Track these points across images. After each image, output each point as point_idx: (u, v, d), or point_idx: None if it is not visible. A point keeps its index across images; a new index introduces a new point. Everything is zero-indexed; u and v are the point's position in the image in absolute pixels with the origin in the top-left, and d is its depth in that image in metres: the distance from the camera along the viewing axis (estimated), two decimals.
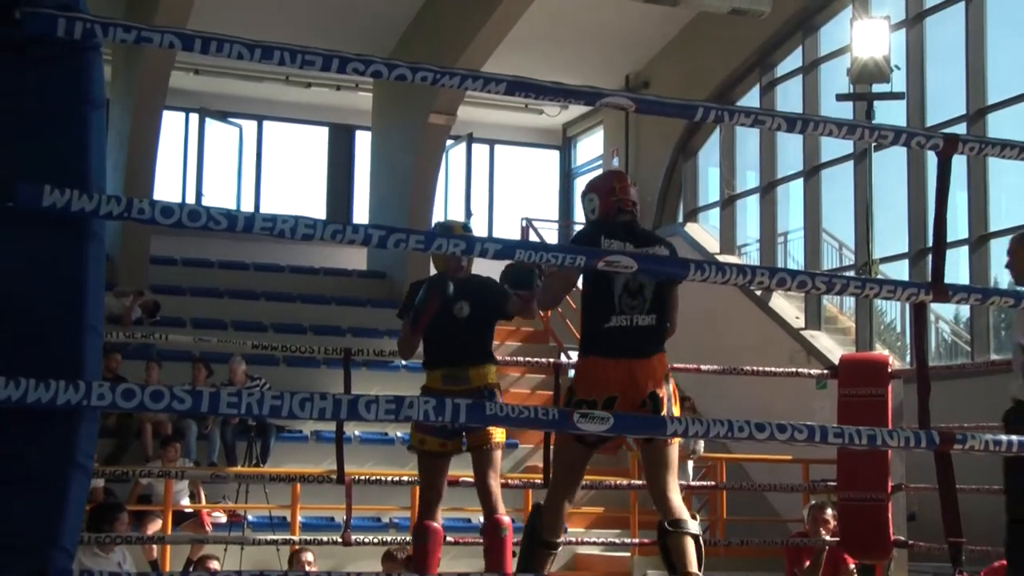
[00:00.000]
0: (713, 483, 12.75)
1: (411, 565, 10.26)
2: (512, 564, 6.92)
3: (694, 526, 5.91)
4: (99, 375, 3.02)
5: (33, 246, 2.93)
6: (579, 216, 22.39)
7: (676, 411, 6.07)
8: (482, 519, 6.99)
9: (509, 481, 11.69)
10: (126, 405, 3.09)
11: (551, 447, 8.05)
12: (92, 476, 3.29)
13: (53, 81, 2.96)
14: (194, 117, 21.58)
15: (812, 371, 11.55)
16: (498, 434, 6.89)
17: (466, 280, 6.89)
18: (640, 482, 11.18)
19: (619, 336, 5.89)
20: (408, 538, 10.87)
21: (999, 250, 14.77)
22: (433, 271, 7.11)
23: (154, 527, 11.88)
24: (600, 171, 21.56)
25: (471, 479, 7.24)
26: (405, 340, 6.93)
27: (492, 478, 6.85)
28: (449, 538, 10.15)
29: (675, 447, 6.05)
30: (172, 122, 20.19)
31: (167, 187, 20.53)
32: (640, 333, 5.92)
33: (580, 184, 22.68)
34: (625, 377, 5.84)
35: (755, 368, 10.87)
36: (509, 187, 23.52)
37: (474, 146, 22.95)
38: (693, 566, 5.75)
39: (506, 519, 6.87)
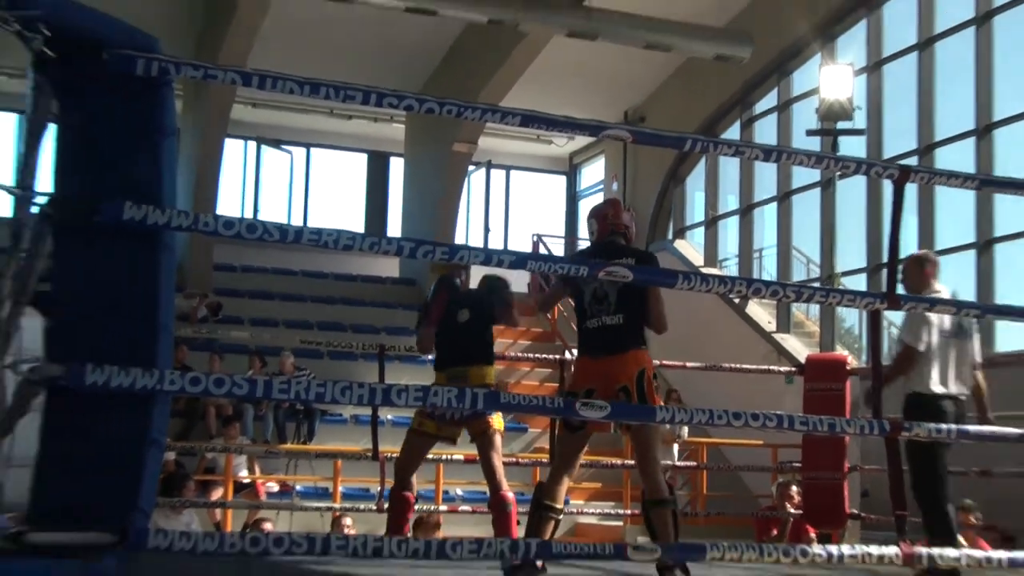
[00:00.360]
0: (695, 463, 12.74)
1: (436, 531, 10.26)
2: (518, 531, 6.93)
3: (673, 502, 5.93)
4: (171, 365, 3.03)
5: (116, 255, 2.94)
6: (583, 232, 22.41)
7: (654, 401, 6.05)
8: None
9: (519, 460, 11.69)
10: (193, 390, 3.11)
11: (555, 431, 8.03)
12: (165, 450, 3.30)
13: (133, 112, 2.97)
14: (252, 145, 21.62)
15: (782, 368, 11.54)
16: (496, 422, 6.92)
17: (465, 292, 6.96)
18: (632, 462, 11.21)
19: (595, 336, 5.93)
20: (434, 507, 10.90)
21: (944, 266, 14.74)
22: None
23: (217, 494, 11.91)
24: (601, 194, 21.67)
25: (504, 459, 7.24)
26: (424, 337, 6.99)
27: (495, 460, 6.86)
28: (467, 508, 10.19)
29: (654, 432, 6.07)
30: (233, 149, 20.21)
31: (228, 205, 20.55)
32: (610, 332, 5.92)
33: (584, 205, 22.76)
34: (601, 373, 5.86)
35: (733, 365, 10.86)
36: (522, 207, 23.48)
37: (492, 171, 22.96)
38: (671, 536, 5.78)
39: (510, 495, 6.87)
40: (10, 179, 3.07)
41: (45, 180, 3.03)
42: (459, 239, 20.38)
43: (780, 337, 16.68)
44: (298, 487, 13.24)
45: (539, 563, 5.59)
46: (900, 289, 5.63)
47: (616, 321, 5.91)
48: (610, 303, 5.91)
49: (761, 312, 17.21)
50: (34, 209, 3.03)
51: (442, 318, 6.85)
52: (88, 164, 2.96)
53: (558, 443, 6.18)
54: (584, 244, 21.96)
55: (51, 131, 3.03)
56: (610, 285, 5.87)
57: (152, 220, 2.90)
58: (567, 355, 11.29)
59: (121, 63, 2.89)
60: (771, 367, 11.93)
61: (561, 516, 6.04)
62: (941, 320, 6.94)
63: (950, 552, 4.21)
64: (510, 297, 6.93)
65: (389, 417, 13.92)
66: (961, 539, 9.53)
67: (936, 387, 6.81)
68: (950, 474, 7.85)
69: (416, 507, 10.98)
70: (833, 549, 3.69)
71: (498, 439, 6.89)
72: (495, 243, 22.58)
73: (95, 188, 2.90)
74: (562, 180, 23.71)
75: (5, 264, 3.18)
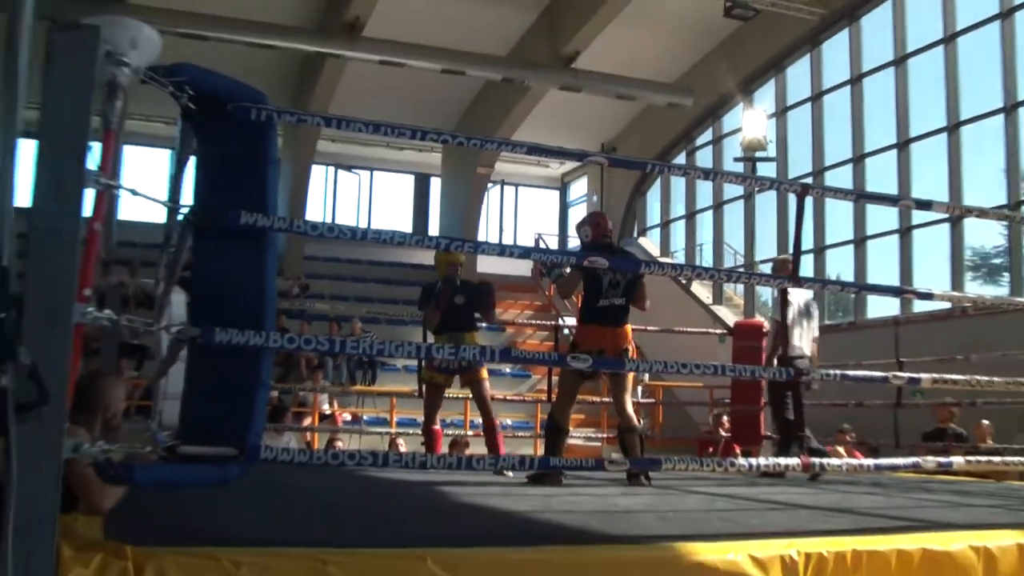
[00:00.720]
0: (654, 400, 12.71)
1: (466, 449, 10.30)
2: (505, 448, 7.11)
3: (639, 429, 6.00)
4: (274, 328, 3.05)
5: (237, 249, 2.97)
6: (571, 233, 22.41)
7: (634, 356, 6.15)
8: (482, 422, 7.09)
9: (525, 398, 11.71)
10: (290, 347, 3.13)
11: (553, 377, 8.10)
12: (270, 390, 3.32)
13: (249, 147, 2.99)
14: (331, 169, 21.61)
15: (717, 331, 11.55)
16: (484, 372, 7.00)
17: (461, 283, 6.98)
18: (608, 399, 11.24)
19: (607, 312, 5.97)
20: (464, 432, 10.92)
21: (831, 256, 14.76)
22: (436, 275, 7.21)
23: (307, 422, 11.98)
24: (585, 204, 21.64)
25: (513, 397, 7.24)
26: (431, 316, 6.97)
27: (486, 399, 6.92)
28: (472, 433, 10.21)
29: (629, 379, 6.17)
30: (317, 173, 20.21)
31: (314, 214, 20.55)
32: (617, 310, 6.01)
33: (573, 212, 22.72)
34: (610, 338, 5.93)
35: (681, 329, 10.88)
36: (526, 214, 23.46)
37: (504, 188, 22.93)
38: (638, 453, 5.84)
39: (498, 423, 6.98)
40: (165, 197, 3.12)
41: (188, 196, 3.07)
42: (480, 238, 20.39)
43: (716, 309, 16.69)
44: (364, 417, 13.31)
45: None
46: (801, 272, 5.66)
47: (622, 303, 6.02)
48: (620, 290, 6.00)
49: (702, 290, 17.22)
50: (180, 217, 3.07)
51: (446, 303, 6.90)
52: (217, 185, 2.99)
53: (570, 385, 6.18)
54: (573, 241, 21.94)
55: (192, 162, 3.07)
56: (622, 275, 5.97)
57: (261, 224, 2.92)
58: (560, 322, 11.30)
59: (241, 112, 2.92)
60: (708, 330, 11.96)
61: (569, 436, 6.14)
62: (797, 302, 7.27)
63: (833, 460, 4.24)
64: (493, 302, 7.08)
65: None
66: (840, 450, 9.65)
67: (795, 348, 7.14)
68: (835, 406, 7.94)
69: (450, 432, 11.06)
70: (753, 461, 3.71)
71: (487, 385, 6.98)
72: (506, 241, 22.56)
73: (222, 202, 2.92)
74: (555, 194, 23.68)
75: (160, 257, 3.23)
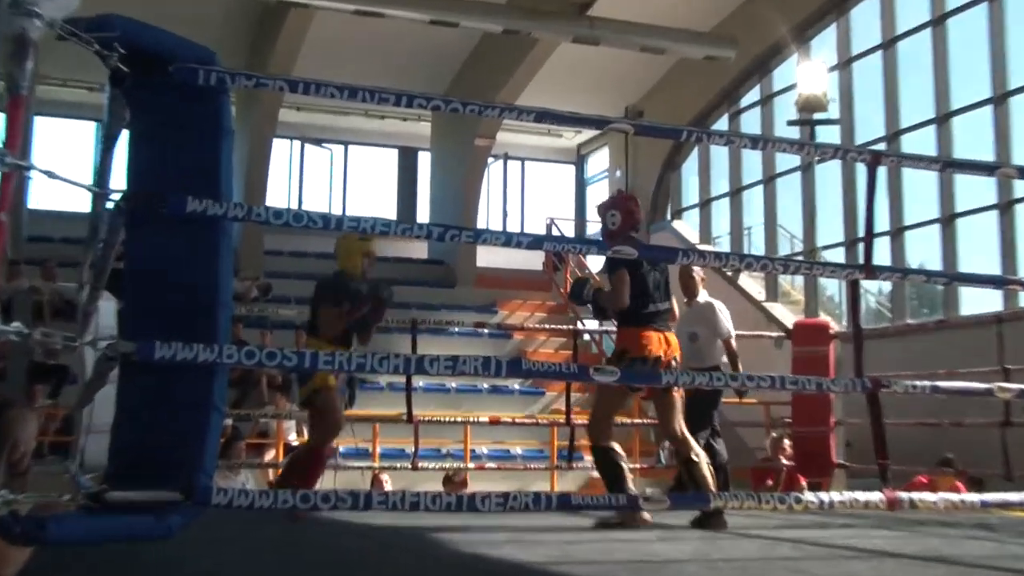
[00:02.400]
0: None
1: (464, 487, 10.27)
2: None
3: (705, 457, 6.11)
4: (230, 340, 3.02)
5: (181, 243, 2.94)
6: (590, 215, 22.38)
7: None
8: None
9: (539, 421, 11.67)
10: (249, 363, 3.10)
11: (574, 393, 8.13)
12: (225, 416, 3.29)
13: (195, 116, 2.97)
14: (296, 144, 21.62)
15: (772, 334, 11.51)
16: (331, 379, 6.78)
17: (371, 283, 6.85)
18: (640, 422, 11.20)
19: (658, 317, 6.15)
20: (460, 465, 10.88)
21: (912, 239, 14.71)
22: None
23: (269, 456, 11.93)
24: (606, 182, 21.61)
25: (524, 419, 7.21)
26: (334, 321, 6.73)
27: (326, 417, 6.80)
28: (493, 464, 10.19)
29: (679, 396, 6.24)
30: (280, 148, 20.20)
31: (276, 198, 20.54)
32: (664, 315, 6.22)
33: (592, 192, 22.69)
34: (664, 345, 6.10)
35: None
36: (536, 195, 23.43)
37: (509, 163, 22.90)
38: (713, 488, 5.92)
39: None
40: (89, 179, 3.08)
41: (119, 179, 3.04)
42: (480, 224, 20.37)
43: (769, 306, 16.63)
44: (340, 448, 13.26)
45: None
46: (876, 260, 5.62)
47: (668, 306, 6.26)
48: (663, 291, 6.21)
49: (752, 283, 17.15)
50: (109, 205, 3.04)
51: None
52: (156, 163, 2.97)
53: (613, 402, 6.32)
54: (594, 227, 21.90)
55: (124, 136, 3.04)
56: (661, 275, 6.17)
57: (212, 212, 2.90)
58: (579, 325, 11.26)
59: (185, 75, 2.90)
60: (762, 333, 11.91)
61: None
62: None
63: (928, 496, 4.18)
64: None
65: (421, 384, 13.92)
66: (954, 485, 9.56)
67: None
68: (924, 426, 7.92)
69: (446, 465, 11.05)
70: (824, 496, 3.67)
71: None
72: (513, 227, 22.54)
73: (162, 185, 2.90)
74: (571, 169, 23.63)
75: (84, 254, 3.20)
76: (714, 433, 7.76)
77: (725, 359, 7.85)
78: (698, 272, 7.93)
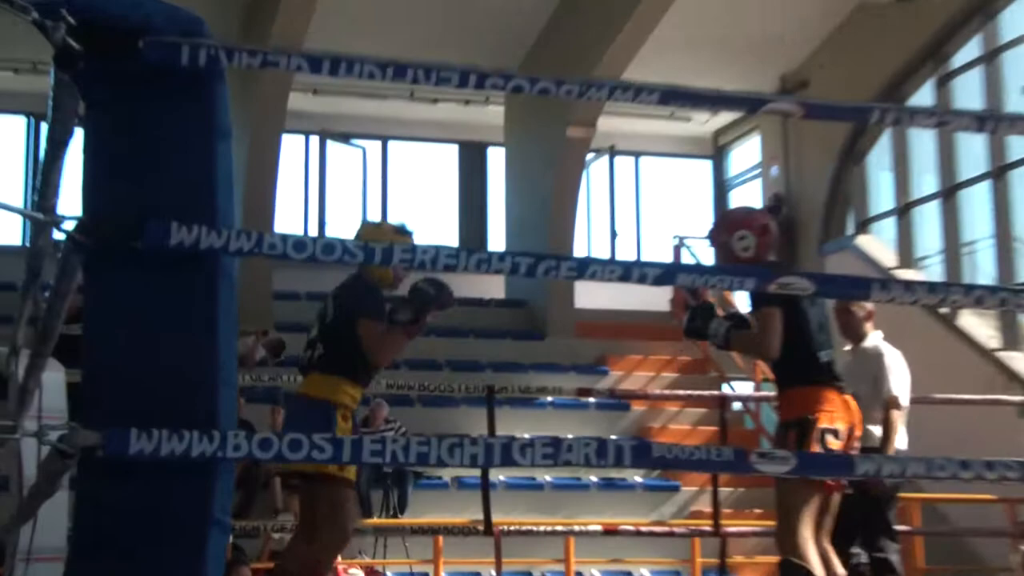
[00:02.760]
0: (907, 527, 11.89)
1: None
2: None
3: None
4: (234, 425, 3.04)
5: (163, 288, 2.97)
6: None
7: None
8: None
9: (674, 529, 11.61)
10: (264, 456, 3.10)
11: (722, 488, 8.09)
12: (230, 532, 3.30)
13: (179, 113, 3.00)
14: (314, 140, 21.82)
15: (1014, 398, 11.32)
16: None
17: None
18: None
19: (831, 370, 6.19)
20: None
21: None
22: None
23: None
24: (758, 181, 21.55)
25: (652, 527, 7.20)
26: (398, 343, 7.02)
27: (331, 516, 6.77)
28: None
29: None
30: (291, 146, 20.40)
31: (289, 215, 20.71)
32: (834, 367, 6.25)
33: (736, 196, 22.60)
34: (853, 410, 6.15)
35: (945, 396, 10.69)
36: (658, 202, 23.39)
37: (617, 159, 22.93)
38: None
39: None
40: (24, 200, 3.12)
41: (71, 199, 3.08)
42: (579, 245, 20.39)
43: (1007, 356, 16.39)
44: (389, 573, 13.29)
45: None
46: None
47: (833, 356, 6.27)
48: (828, 335, 6.26)
49: (978, 324, 16.92)
50: (58, 235, 3.07)
51: None
52: (124, 177, 3.00)
53: (804, 505, 6.11)
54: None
55: (77, 138, 3.08)
56: (822, 312, 6.25)
57: (206, 243, 2.92)
58: (728, 389, 11.22)
59: (162, 52, 2.93)
60: (998, 396, 11.75)
61: None
62: None
63: None
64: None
65: (501, 478, 13.96)
66: None
67: None
68: None
69: None
70: None
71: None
72: (625, 248, 22.50)
73: (134, 207, 2.93)
74: (706, 166, 23.57)
75: (20, 306, 3.22)
76: (890, 536, 7.51)
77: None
78: (865, 306, 7.83)
